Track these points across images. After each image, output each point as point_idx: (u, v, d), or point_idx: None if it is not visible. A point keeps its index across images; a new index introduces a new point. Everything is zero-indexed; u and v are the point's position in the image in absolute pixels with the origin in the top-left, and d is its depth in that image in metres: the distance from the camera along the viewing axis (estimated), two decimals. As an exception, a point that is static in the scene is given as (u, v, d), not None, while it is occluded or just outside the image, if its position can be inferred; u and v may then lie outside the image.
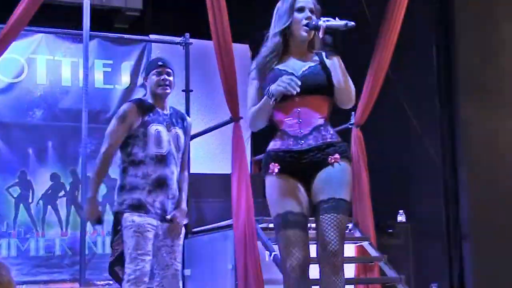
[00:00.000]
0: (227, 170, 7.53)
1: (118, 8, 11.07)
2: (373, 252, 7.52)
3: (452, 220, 8.75)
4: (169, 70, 5.46)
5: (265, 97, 4.13)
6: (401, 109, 8.79)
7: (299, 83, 4.01)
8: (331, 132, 4.24)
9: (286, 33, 4.27)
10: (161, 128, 5.32)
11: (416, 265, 8.70)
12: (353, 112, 7.92)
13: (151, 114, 5.32)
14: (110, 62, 9.41)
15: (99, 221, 5.33)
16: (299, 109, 4.17)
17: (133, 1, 11.19)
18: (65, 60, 9.23)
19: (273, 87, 4.07)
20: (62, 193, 8.90)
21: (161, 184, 5.25)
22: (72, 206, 8.88)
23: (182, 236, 5.43)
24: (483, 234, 8.52)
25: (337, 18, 4.13)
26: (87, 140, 8.11)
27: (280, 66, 4.25)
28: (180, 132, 5.47)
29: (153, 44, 9.63)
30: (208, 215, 8.27)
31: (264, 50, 4.31)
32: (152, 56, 9.33)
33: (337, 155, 4.16)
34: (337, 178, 4.13)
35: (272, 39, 4.30)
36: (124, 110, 5.36)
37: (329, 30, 4.11)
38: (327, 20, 4.13)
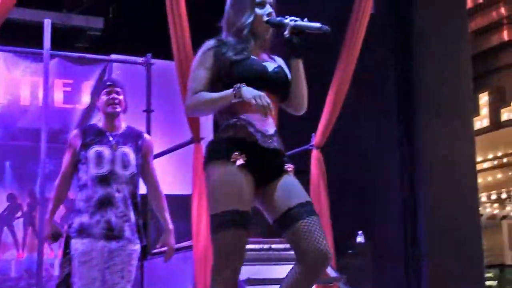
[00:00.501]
0: (188, 191, 7.52)
1: (79, 27, 11.08)
2: (332, 273, 7.54)
3: (410, 240, 8.83)
4: (118, 89, 5.55)
5: (230, 92, 3.71)
6: (361, 131, 8.87)
7: (271, 107, 3.66)
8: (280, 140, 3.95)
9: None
10: (103, 149, 5.39)
11: (375, 286, 8.75)
12: (313, 134, 7.97)
13: (94, 137, 5.43)
14: (71, 81, 9.37)
15: (55, 237, 5.46)
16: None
17: (94, 21, 11.21)
18: (24, 79, 9.16)
19: (246, 92, 3.66)
20: (19, 214, 8.82)
21: (104, 204, 5.28)
22: (30, 227, 8.79)
23: (135, 255, 5.41)
24: (441, 253, 8.62)
25: (306, 20, 3.86)
26: (46, 160, 8.04)
27: (253, 54, 3.92)
28: (128, 150, 5.46)
29: (114, 64, 9.59)
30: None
31: (231, 40, 3.94)
32: (114, 76, 9.32)
33: (291, 165, 3.90)
34: (299, 185, 3.85)
35: (241, 33, 3.93)
36: (69, 137, 5.58)
37: (296, 31, 3.83)
38: (295, 20, 3.84)
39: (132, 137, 5.56)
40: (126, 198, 5.35)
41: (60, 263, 5.44)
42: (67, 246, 5.33)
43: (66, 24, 11.09)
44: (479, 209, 9.46)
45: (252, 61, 3.87)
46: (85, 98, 9.41)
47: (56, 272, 8.82)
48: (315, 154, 7.95)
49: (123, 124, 5.59)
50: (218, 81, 3.86)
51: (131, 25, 11.21)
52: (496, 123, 13.65)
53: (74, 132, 5.57)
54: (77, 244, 5.23)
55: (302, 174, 7.43)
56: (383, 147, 8.98)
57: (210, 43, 3.98)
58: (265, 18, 3.91)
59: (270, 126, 3.86)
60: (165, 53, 8.25)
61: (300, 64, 3.91)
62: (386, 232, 9.05)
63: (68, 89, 9.34)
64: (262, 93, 3.66)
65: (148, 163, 5.59)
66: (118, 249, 5.29)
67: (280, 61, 4.08)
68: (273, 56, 4.09)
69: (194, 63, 3.97)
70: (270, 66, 3.95)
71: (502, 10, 14.88)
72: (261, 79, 3.84)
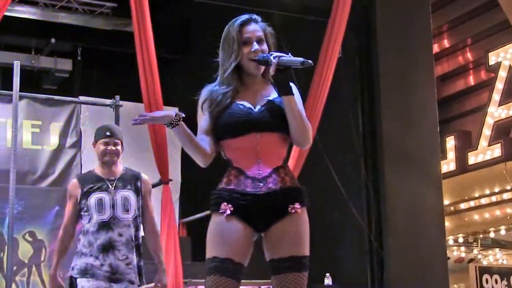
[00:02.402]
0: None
1: (47, 69, 11.08)
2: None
3: (377, 282, 8.86)
4: (117, 141, 5.63)
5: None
6: (328, 174, 8.92)
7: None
8: (291, 175, 3.85)
9: (238, 67, 3.83)
10: (103, 195, 5.49)
11: (342, 328, 8.76)
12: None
13: (93, 185, 5.54)
14: (39, 122, 9.35)
15: None
16: (258, 147, 3.74)
17: (62, 63, 11.22)
18: (-8, 121, 9.15)
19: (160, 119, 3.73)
20: (-13, 254, 8.75)
21: (106, 248, 5.39)
22: (-3, 268, 8.72)
23: None
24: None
25: (290, 54, 3.73)
26: (14, 200, 8.00)
27: (238, 100, 3.82)
28: (129, 193, 5.57)
29: (83, 105, 9.60)
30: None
31: (218, 84, 3.87)
32: (82, 118, 9.34)
33: (297, 205, 3.78)
34: (298, 233, 3.76)
35: (223, 75, 3.84)
36: (68, 188, 5.69)
37: (281, 67, 3.70)
38: (279, 56, 3.71)
39: (130, 179, 5.65)
40: (128, 241, 5.47)
41: None
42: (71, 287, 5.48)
43: (34, 66, 11.09)
44: (446, 252, 9.51)
45: (234, 107, 3.81)
46: (54, 139, 9.39)
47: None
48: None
49: (120, 167, 5.67)
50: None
51: (99, 67, 11.24)
52: (463, 167, 13.77)
53: (73, 182, 5.68)
54: (83, 282, 5.36)
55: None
56: (350, 191, 9.03)
57: (203, 94, 3.90)
58: (251, 56, 3.79)
59: (263, 168, 3.77)
60: (133, 95, 8.28)
61: (291, 101, 3.76)
62: (353, 275, 9.07)
63: (37, 130, 9.32)
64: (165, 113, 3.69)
65: (147, 203, 5.68)
66: None
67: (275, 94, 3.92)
68: (272, 88, 3.95)
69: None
70: (259, 104, 3.84)
71: (468, 55, 15.09)
72: (244, 124, 3.78)
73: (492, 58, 13.86)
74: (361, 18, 9.39)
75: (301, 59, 3.68)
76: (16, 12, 9.90)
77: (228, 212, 3.71)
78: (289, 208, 3.76)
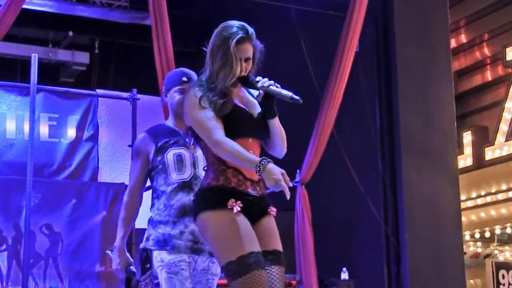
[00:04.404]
0: (172, 226, 7.51)
1: (64, 62, 11.11)
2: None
3: (393, 277, 8.84)
4: None
5: (255, 162, 3.68)
6: (345, 169, 8.90)
7: (289, 188, 3.69)
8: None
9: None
10: (182, 151, 4.70)
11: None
12: (298, 170, 8.00)
13: (168, 139, 4.72)
14: (56, 115, 9.38)
15: (130, 272, 4.72)
16: (250, 152, 3.79)
17: (79, 56, 11.24)
18: (10, 113, 9.17)
19: (270, 173, 3.65)
20: (4, 247, 8.77)
21: (187, 212, 4.53)
22: (14, 261, 8.75)
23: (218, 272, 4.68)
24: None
25: (279, 86, 3.82)
26: (31, 193, 8.03)
27: (237, 101, 3.90)
28: None
29: (100, 98, 9.62)
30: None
31: (207, 87, 3.88)
32: (99, 111, 9.36)
33: (274, 209, 3.95)
34: (276, 231, 3.92)
35: (218, 83, 3.84)
36: (135, 144, 4.85)
37: (268, 95, 3.83)
38: (269, 86, 3.81)
39: None
40: None
41: (138, 279, 4.78)
42: (146, 261, 4.67)
43: (51, 59, 11.11)
44: (463, 247, 9.49)
45: (238, 110, 3.88)
46: (71, 132, 9.42)
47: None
48: (299, 191, 7.98)
49: None
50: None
51: (116, 60, 11.25)
52: (479, 162, 13.70)
53: (142, 136, 4.78)
54: (162, 255, 4.56)
55: (287, 211, 7.47)
56: (367, 186, 9.01)
57: (196, 89, 3.90)
58: (239, 75, 3.86)
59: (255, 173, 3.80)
60: (151, 88, 8.29)
61: (276, 122, 3.92)
62: (369, 269, 9.06)
63: (54, 123, 9.35)
64: (283, 172, 3.68)
65: None
66: (203, 266, 4.64)
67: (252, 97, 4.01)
68: (250, 92, 4.02)
69: (192, 105, 3.88)
70: (255, 108, 3.94)
71: (486, 50, 15.01)
72: (248, 128, 3.90)
73: (510, 54, 13.75)
74: (379, 13, 9.36)
75: (290, 94, 3.77)
76: (34, 5, 9.92)
77: (238, 208, 3.76)
78: (269, 210, 3.94)
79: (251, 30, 3.91)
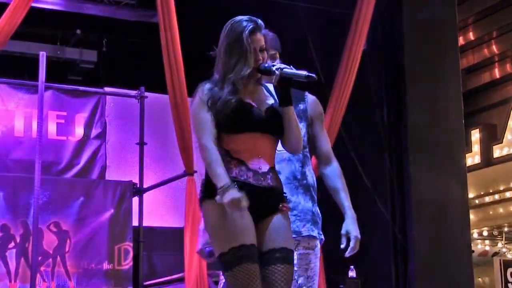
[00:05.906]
0: (180, 224, 7.53)
1: (72, 60, 11.11)
2: (324, 307, 7.55)
3: (401, 277, 8.83)
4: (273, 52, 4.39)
5: (219, 184, 3.65)
6: (352, 166, 8.90)
7: (245, 205, 3.62)
8: (279, 178, 3.96)
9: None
10: None
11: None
12: (305, 168, 7.99)
13: None
14: (64, 113, 9.41)
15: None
16: (257, 146, 3.85)
17: (87, 54, 11.25)
18: (18, 111, 9.20)
19: (225, 198, 3.60)
20: (12, 244, 8.80)
21: None
22: (22, 258, 8.77)
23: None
24: (431, 289, 8.64)
25: (292, 67, 3.83)
26: (39, 191, 8.05)
27: (245, 97, 3.88)
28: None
29: (108, 96, 9.64)
30: (160, 268, 8.25)
31: (216, 83, 3.89)
32: (107, 109, 9.39)
33: (286, 204, 3.91)
34: (286, 228, 3.88)
35: (231, 77, 3.83)
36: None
37: (283, 79, 3.81)
38: (283, 68, 3.82)
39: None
40: (290, 180, 4.37)
41: None
42: None
43: (59, 57, 11.12)
44: (471, 245, 9.47)
45: (244, 105, 3.87)
46: (78, 130, 9.44)
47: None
48: (307, 188, 7.96)
49: None
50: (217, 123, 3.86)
51: (124, 58, 11.25)
52: (487, 160, 13.69)
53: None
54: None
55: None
56: (374, 184, 9.01)
57: (206, 86, 3.90)
58: (255, 65, 3.86)
59: (263, 164, 3.86)
60: (159, 87, 8.29)
61: (290, 111, 3.89)
62: (377, 267, 9.05)
63: (62, 121, 9.38)
64: (240, 198, 3.60)
65: (319, 131, 4.64)
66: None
67: (272, 91, 4.02)
68: (267, 87, 4.03)
69: (195, 104, 3.92)
70: (265, 103, 3.94)
71: (494, 48, 14.99)
72: (254, 122, 3.88)
73: (518, 51, 13.78)
74: (386, 11, 9.35)
75: (305, 72, 3.77)
76: (42, 4, 9.92)
77: None
78: (280, 206, 3.89)
79: (259, 21, 3.94)
